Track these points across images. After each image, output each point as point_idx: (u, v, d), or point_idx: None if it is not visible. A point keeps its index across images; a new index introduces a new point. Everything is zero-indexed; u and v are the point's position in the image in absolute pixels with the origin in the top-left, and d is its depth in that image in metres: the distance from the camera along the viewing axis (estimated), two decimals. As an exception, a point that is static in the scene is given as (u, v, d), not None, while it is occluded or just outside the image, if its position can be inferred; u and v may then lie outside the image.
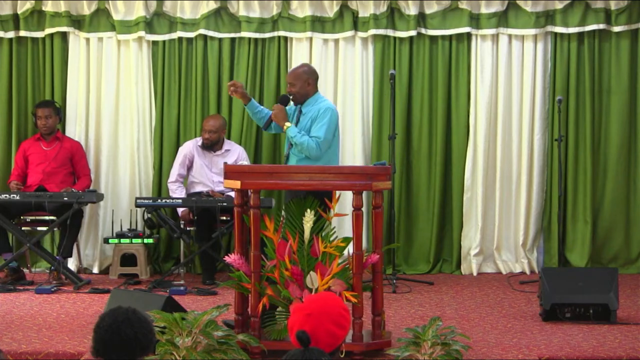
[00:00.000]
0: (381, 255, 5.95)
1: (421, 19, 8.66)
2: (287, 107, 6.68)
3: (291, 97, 6.60)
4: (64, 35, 8.77)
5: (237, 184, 5.91)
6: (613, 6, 8.55)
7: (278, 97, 6.56)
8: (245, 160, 8.10)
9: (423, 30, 8.66)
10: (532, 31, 8.60)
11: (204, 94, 8.72)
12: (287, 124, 6.47)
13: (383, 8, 8.61)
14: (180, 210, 8.29)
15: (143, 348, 3.34)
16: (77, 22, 8.71)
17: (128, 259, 8.42)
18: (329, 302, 3.72)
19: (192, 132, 8.68)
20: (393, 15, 8.64)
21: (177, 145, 8.62)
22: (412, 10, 8.59)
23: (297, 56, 8.67)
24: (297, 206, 5.97)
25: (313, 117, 6.48)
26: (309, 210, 5.84)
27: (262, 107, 6.86)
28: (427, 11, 8.64)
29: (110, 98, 8.72)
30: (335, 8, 8.64)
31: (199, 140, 8.46)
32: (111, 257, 8.53)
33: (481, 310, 7.22)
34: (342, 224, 8.03)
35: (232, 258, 5.90)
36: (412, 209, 8.77)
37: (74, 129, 8.72)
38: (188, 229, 8.28)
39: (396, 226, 8.49)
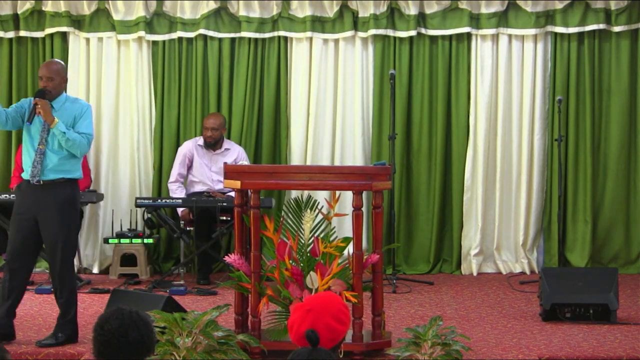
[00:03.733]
0: (381, 255, 5.95)
1: (421, 19, 8.66)
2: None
3: (47, 92, 6.27)
4: (64, 35, 8.77)
5: (237, 184, 5.91)
6: (613, 6, 8.55)
7: (35, 91, 6.29)
8: (245, 160, 8.10)
9: (423, 30, 8.66)
10: (532, 31, 8.59)
11: (204, 94, 8.72)
12: (56, 119, 6.16)
13: (383, 8, 8.61)
14: (180, 210, 8.30)
15: (147, 349, 3.36)
16: (77, 22, 8.71)
17: (128, 259, 8.42)
18: (328, 299, 3.74)
19: (192, 132, 8.68)
20: (393, 15, 8.64)
21: (177, 145, 8.62)
22: (412, 10, 8.58)
23: (297, 56, 8.68)
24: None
25: (77, 114, 6.24)
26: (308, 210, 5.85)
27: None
28: (427, 11, 8.64)
29: (110, 98, 8.72)
30: (335, 8, 8.63)
31: (198, 140, 8.46)
32: (111, 257, 8.53)
33: (481, 310, 7.22)
34: (342, 224, 8.04)
35: (232, 258, 5.90)
36: (412, 209, 8.77)
37: (73, 129, 8.72)
38: (188, 229, 8.28)
39: (396, 226, 8.49)
